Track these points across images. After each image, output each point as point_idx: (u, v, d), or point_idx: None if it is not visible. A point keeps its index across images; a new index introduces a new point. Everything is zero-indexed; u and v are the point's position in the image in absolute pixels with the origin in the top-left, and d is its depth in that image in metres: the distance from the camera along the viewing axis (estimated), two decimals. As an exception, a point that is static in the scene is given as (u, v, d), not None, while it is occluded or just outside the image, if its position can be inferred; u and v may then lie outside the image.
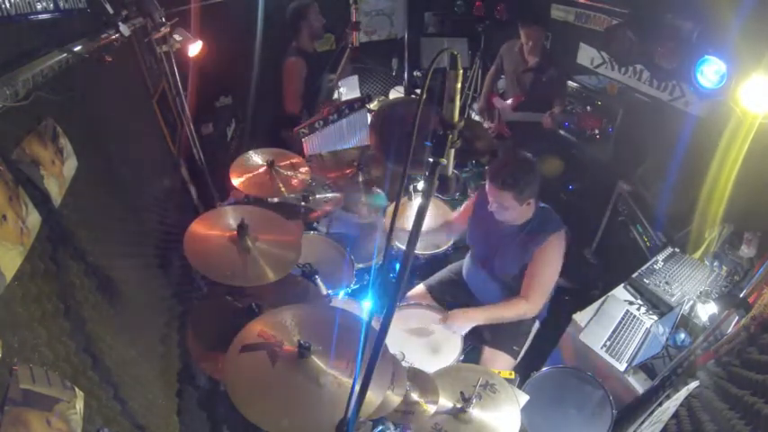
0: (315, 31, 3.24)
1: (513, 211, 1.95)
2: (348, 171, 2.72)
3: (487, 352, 2.18)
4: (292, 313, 1.46)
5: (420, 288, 2.47)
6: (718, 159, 2.11)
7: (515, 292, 2.13)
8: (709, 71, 1.93)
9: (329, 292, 2.17)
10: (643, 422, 1.70)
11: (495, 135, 3.65)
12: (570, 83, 3.37)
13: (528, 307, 2.03)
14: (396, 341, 1.96)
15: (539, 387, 2.03)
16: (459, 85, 0.91)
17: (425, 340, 2.07)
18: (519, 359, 2.21)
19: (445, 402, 1.61)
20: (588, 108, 3.28)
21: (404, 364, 1.71)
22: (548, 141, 3.42)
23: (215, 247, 1.74)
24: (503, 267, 2.12)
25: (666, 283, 2.27)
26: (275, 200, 2.48)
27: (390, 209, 2.73)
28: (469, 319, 2.06)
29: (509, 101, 3.48)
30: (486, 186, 1.96)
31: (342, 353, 1.32)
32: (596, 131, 3.10)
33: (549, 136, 3.37)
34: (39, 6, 1.27)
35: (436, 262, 2.71)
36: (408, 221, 2.69)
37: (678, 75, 2.18)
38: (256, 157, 2.43)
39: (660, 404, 1.71)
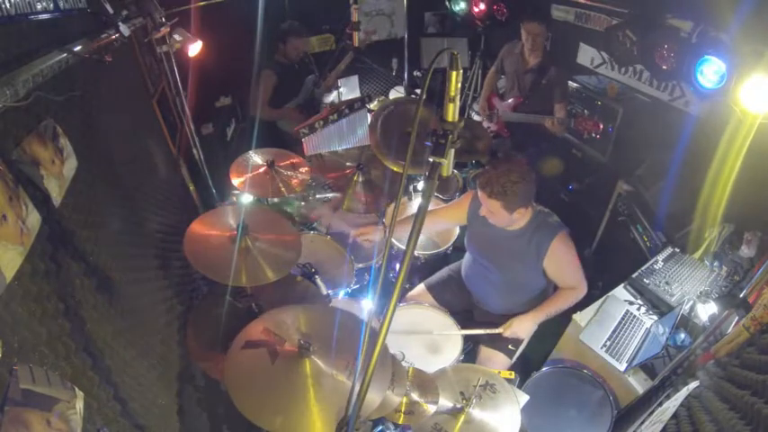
0: (287, 55, 3.52)
1: (502, 217, 1.94)
2: (348, 171, 2.73)
3: (484, 351, 2.19)
4: (292, 313, 1.46)
5: (420, 288, 2.47)
6: (718, 159, 2.11)
7: (514, 289, 2.15)
8: (709, 71, 1.93)
9: (329, 292, 2.17)
10: (643, 422, 1.70)
11: (494, 135, 3.64)
12: (570, 83, 3.37)
13: (577, 292, 2.09)
14: (396, 341, 1.96)
15: (539, 387, 2.03)
16: (459, 85, 0.91)
17: (425, 340, 2.07)
18: (515, 359, 2.21)
19: (445, 402, 1.61)
20: (586, 112, 3.28)
21: (404, 364, 1.71)
22: (547, 141, 3.41)
23: (215, 247, 1.74)
24: (502, 268, 2.12)
25: (666, 283, 2.27)
26: (275, 199, 2.49)
27: (390, 209, 2.73)
28: (532, 322, 2.09)
29: (509, 101, 3.48)
30: (478, 191, 1.95)
31: (342, 353, 1.33)
32: (594, 135, 3.09)
33: (548, 136, 3.37)
34: (39, 6, 1.27)
35: (436, 262, 2.71)
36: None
37: (678, 75, 2.17)
38: (256, 157, 2.44)
39: (660, 404, 1.71)
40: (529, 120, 3.32)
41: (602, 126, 3.03)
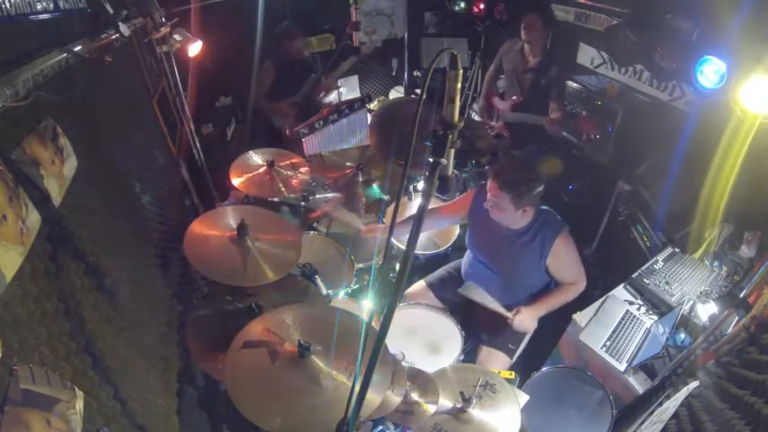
0: (289, 55, 3.53)
1: (507, 213, 1.94)
2: (348, 171, 2.73)
3: (484, 351, 2.19)
4: (292, 313, 1.46)
5: (420, 284, 2.47)
6: (718, 159, 2.11)
7: (515, 287, 2.16)
8: (710, 71, 1.93)
9: (329, 292, 2.16)
10: (643, 422, 1.70)
11: (495, 135, 3.65)
12: (570, 83, 3.36)
13: (577, 287, 2.13)
14: (396, 341, 1.96)
15: (539, 387, 2.03)
16: (459, 85, 0.91)
17: (425, 340, 2.06)
18: (515, 358, 2.21)
19: (445, 402, 1.61)
20: (584, 113, 3.27)
21: (404, 364, 1.71)
22: (547, 141, 3.41)
23: (215, 247, 1.74)
24: (503, 266, 2.13)
25: (666, 283, 2.27)
26: (275, 199, 2.49)
27: (390, 209, 2.73)
28: (537, 313, 2.10)
29: (509, 100, 3.48)
30: (488, 182, 1.95)
31: (342, 353, 1.32)
32: (592, 135, 3.09)
33: (548, 136, 3.37)
34: (39, 6, 1.27)
35: (436, 261, 2.71)
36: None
37: (678, 75, 2.18)
38: (256, 157, 2.44)
39: (660, 404, 1.71)
40: (527, 120, 3.31)
41: (597, 127, 3.03)
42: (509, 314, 2.07)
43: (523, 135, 3.46)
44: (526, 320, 2.08)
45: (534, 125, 3.26)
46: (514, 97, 3.44)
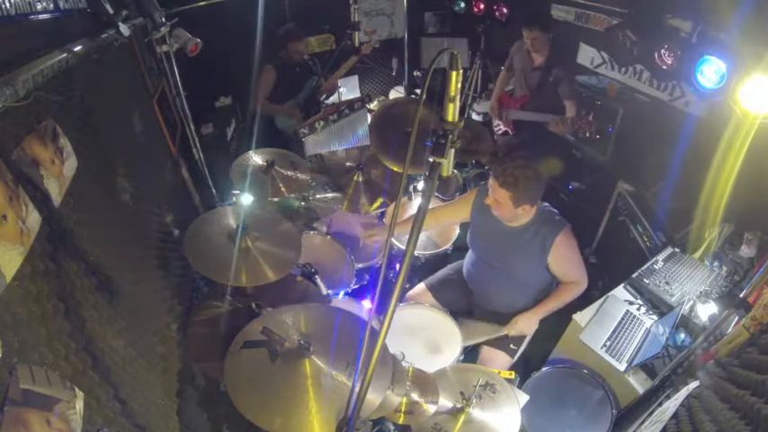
0: (290, 57, 3.53)
1: (506, 210, 1.95)
2: (348, 171, 2.73)
3: (485, 351, 2.19)
4: (292, 313, 1.47)
5: (420, 287, 2.47)
6: (718, 159, 2.11)
7: (517, 286, 2.16)
8: (709, 71, 1.93)
9: (329, 292, 2.16)
10: (643, 422, 1.70)
11: (502, 133, 3.67)
12: (571, 83, 3.38)
13: (579, 286, 2.12)
14: (396, 341, 1.96)
15: (539, 387, 2.03)
16: (458, 85, 0.91)
17: (425, 340, 2.07)
18: (516, 358, 2.21)
19: (445, 402, 1.61)
20: (583, 111, 3.28)
21: (404, 364, 1.71)
22: (549, 141, 3.42)
23: (215, 247, 1.74)
24: (505, 265, 2.13)
25: (666, 283, 2.27)
26: (275, 199, 2.48)
27: (390, 209, 2.73)
28: (537, 317, 2.12)
29: (519, 96, 3.51)
30: (490, 178, 1.97)
31: (342, 353, 1.33)
32: (587, 134, 3.09)
33: (551, 135, 3.38)
34: (39, 6, 1.27)
35: (436, 262, 2.71)
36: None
37: (678, 75, 2.17)
38: (256, 157, 2.44)
39: (660, 404, 1.71)
40: (532, 117, 3.34)
41: (593, 125, 3.04)
42: (505, 331, 2.09)
43: (530, 133, 3.49)
44: (525, 328, 2.10)
45: (540, 122, 3.29)
46: (520, 95, 3.47)
